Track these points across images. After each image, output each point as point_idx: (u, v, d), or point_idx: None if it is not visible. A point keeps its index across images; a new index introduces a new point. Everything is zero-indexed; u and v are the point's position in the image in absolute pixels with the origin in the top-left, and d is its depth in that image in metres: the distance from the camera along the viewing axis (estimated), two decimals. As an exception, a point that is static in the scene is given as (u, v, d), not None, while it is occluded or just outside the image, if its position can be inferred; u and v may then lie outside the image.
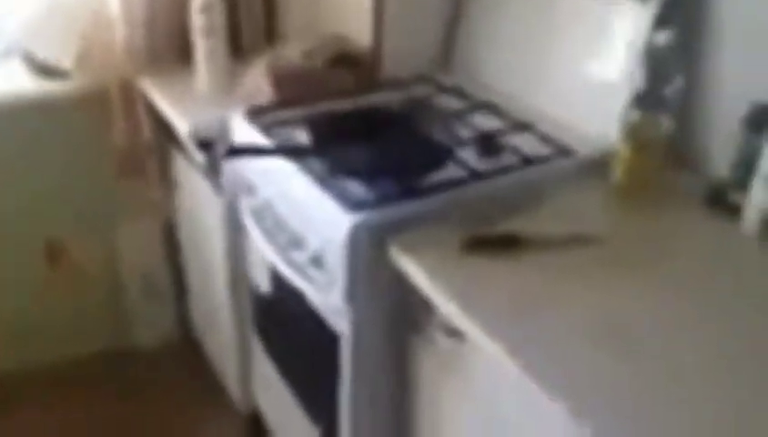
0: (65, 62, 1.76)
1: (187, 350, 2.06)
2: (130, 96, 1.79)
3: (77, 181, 1.90)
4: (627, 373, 0.84)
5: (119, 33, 1.74)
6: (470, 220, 1.10)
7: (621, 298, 0.97)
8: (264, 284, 1.50)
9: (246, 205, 1.45)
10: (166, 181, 1.95)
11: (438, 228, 1.10)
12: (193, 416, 1.90)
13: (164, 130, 1.79)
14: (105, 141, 1.84)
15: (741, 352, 0.88)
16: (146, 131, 1.85)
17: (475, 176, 1.19)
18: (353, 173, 1.20)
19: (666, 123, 1.15)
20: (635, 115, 1.15)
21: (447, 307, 0.99)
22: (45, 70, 1.79)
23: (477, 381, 1.04)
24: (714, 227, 1.11)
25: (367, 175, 1.20)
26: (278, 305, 1.47)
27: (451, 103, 1.47)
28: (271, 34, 1.87)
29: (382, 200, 1.14)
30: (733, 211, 1.10)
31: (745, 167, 1.09)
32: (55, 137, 1.83)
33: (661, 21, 1.20)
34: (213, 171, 1.57)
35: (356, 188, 1.18)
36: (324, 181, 1.19)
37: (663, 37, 1.15)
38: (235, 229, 1.57)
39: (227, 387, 1.89)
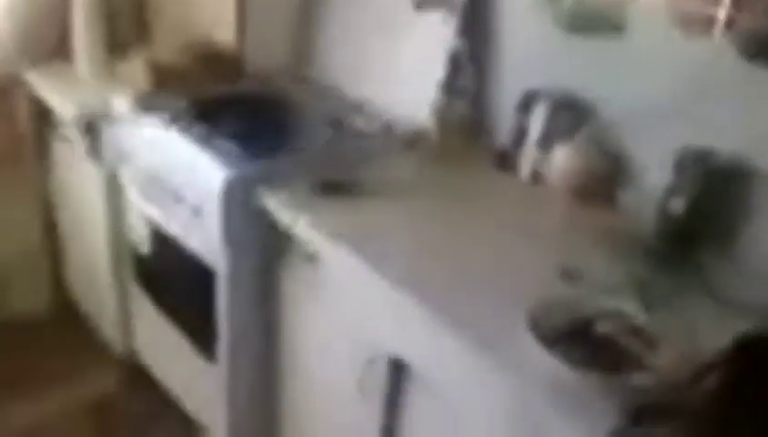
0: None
1: (68, 316, 2.20)
2: (10, 88, 1.96)
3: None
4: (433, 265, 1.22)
5: (1, 27, 1.91)
6: (320, 174, 1.43)
7: (434, 226, 1.35)
8: (144, 243, 1.74)
9: (127, 173, 1.69)
10: (44, 165, 2.11)
11: (296, 179, 1.42)
12: (74, 367, 2.03)
13: (42, 117, 1.97)
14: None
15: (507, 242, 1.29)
16: (25, 120, 2.02)
17: (324, 143, 1.55)
18: (227, 138, 1.50)
19: (463, 106, 1.56)
20: (440, 100, 1.56)
21: (305, 233, 1.31)
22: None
23: (327, 289, 1.37)
24: (500, 179, 1.53)
25: (238, 140, 1.50)
26: (159, 258, 1.72)
27: (305, 91, 1.81)
28: (143, 32, 2.10)
29: (252, 158, 1.45)
30: (513, 167, 1.52)
31: (519, 137, 1.52)
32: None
33: (460, 31, 1.61)
34: (95, 149, 1.79)
35: (230, 148, 1.47)
36: (203, 144, 1.48)
37: (461, 43, 1.56)
38: (115, 198, 1.80)
39: (109, 343, 2.08)
